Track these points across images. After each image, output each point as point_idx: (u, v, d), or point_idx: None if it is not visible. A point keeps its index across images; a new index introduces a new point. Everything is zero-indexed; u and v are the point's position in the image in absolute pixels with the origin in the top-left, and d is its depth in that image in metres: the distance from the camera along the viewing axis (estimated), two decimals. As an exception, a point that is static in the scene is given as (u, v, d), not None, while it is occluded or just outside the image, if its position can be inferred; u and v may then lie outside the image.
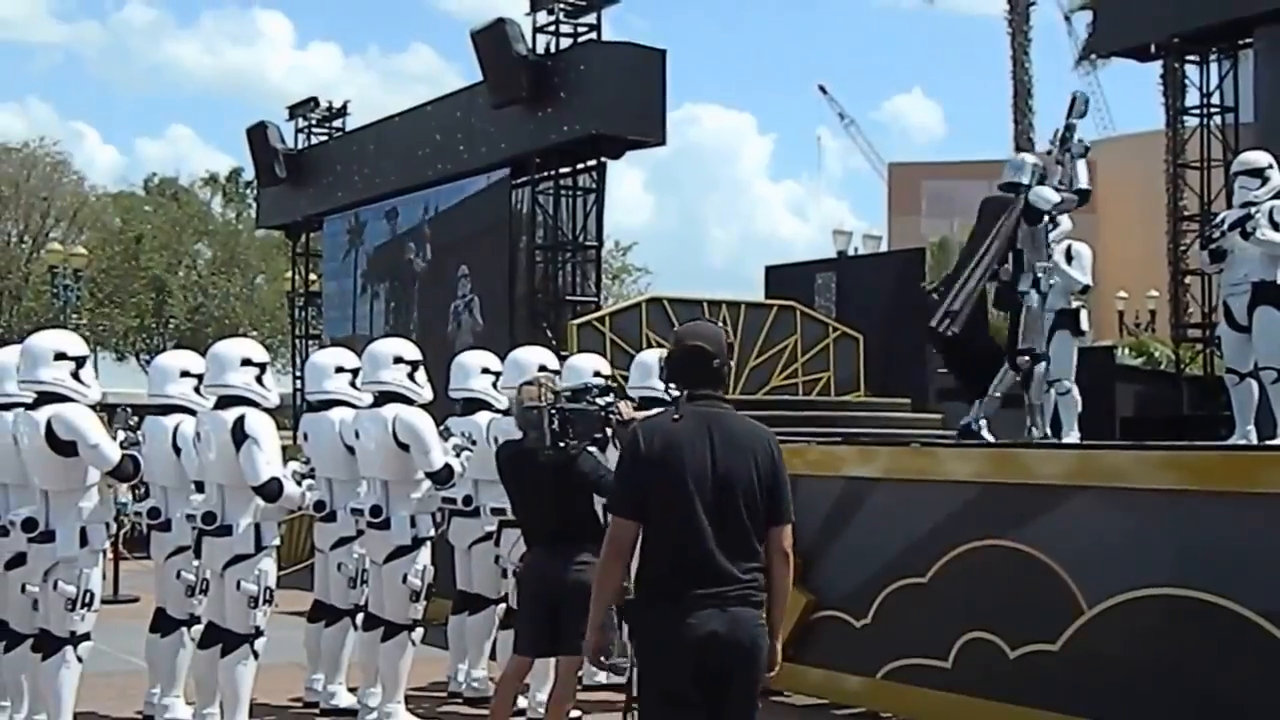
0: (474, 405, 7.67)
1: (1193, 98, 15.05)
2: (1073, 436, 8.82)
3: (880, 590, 7.21)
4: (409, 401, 6.99)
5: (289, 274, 22.72)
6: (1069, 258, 9.00)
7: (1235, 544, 5.85)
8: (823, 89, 57.95)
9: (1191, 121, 15.18)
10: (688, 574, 3.83)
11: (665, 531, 3.88)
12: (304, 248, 21.04)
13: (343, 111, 19.58)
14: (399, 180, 17.74)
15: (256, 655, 6.40)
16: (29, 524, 6.14)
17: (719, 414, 4.00)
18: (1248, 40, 13.54)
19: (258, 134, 19.68)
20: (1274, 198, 8.04)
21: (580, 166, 15.75)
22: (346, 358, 7.50)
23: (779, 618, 3.99)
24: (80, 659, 6.23)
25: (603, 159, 15.66)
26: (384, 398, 7.03)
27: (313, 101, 19.74)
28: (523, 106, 15.23)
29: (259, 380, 6.41)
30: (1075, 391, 8.95)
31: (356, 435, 7.10)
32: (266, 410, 6.41)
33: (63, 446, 6.07)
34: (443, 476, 6.88)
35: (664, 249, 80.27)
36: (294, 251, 21.56)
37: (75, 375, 6.17)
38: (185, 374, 6.89)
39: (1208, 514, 5.97)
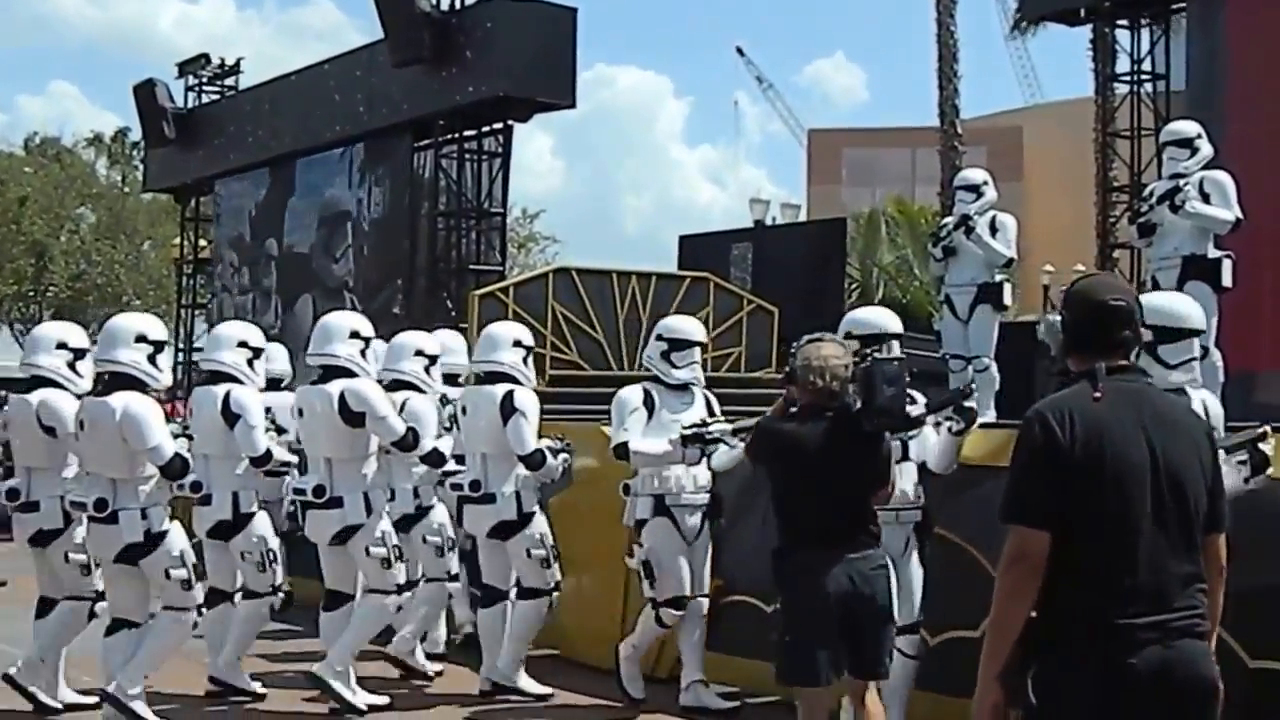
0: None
1: (1123, 64, 14.70)
2: (989, 416, 8.36)
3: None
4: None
5: (177, 240, 22.00)
6: (993, 229, 8.58)
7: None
8: (740, 51, 56.91)
9: (1122, 89, 14.83)
10: (1120, 600, 3.02)
11: (1089, 545, 3.05)
12: (194, 212, 20.34)
13: (235, 69, 18.98)
14: (294, 142, 17.16)
15: (553, 605, 7.17)
16: (319, 490, 6.77)
17: (1147, 391, 3.22)
18: (1180, 5, 13.14)
19: (145, 92, 19.03)
20: (1204, 169, 7.72)
21: (486, 129, 15.30)
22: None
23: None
24: (400, 608, 7.08)
25: (509, 122, 15.27)
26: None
27: (204, 58, 19.08)
28: (425, 66, 14.76)
29: (525, 361, 7.20)
30: (994, 369, 8.58)
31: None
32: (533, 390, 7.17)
33: (353, 418, 6.70)
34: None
35: (574, 217, 78.87)
36: (183, 216, 20.84)
37: (363, 353, 6.91)
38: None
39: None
